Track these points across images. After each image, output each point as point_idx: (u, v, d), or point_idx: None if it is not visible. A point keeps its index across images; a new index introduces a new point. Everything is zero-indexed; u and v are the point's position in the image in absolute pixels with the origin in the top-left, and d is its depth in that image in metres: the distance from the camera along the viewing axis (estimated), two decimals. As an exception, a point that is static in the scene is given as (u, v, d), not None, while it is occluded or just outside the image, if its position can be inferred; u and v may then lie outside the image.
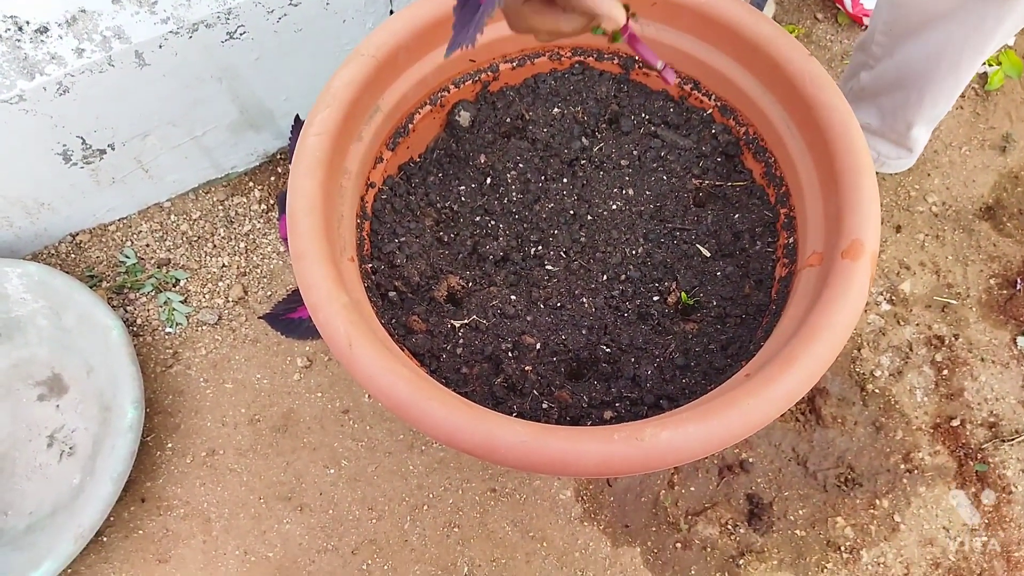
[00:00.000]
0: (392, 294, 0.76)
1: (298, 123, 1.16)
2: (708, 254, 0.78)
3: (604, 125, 0.86)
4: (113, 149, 1.02)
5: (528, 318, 0.75)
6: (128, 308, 1.09)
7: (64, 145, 0.98)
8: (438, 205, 0.84)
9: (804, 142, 0.76)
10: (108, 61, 0.90)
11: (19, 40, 0.87)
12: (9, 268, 1.02)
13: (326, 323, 0.63)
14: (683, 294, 0.76)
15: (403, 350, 0.72)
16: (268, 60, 1.03)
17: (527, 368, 0.73)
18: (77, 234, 1.12)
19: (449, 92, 0.86)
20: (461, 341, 0.74)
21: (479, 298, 0.76)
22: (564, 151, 0.85)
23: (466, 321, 0.75)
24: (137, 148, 1.05)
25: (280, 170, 1.19)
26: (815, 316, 0.63)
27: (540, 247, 0.80)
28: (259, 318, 1.08)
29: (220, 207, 1.16)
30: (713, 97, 0.84)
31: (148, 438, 1.04)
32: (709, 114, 0.84)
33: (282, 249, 1.14)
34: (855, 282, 0.64)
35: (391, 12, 1.09)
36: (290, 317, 1.06)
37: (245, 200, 1.16)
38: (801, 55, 0.75)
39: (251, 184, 1.18)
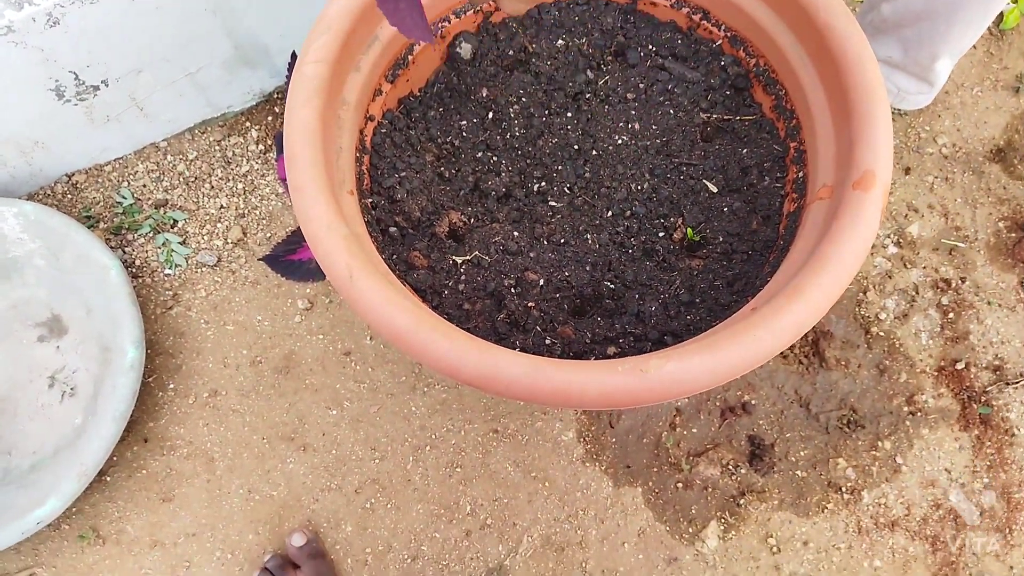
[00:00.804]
0: (393, 229, 0.74)
1: (295, 59, 1.12)
2: (715, 189, 0.76)
3: (610, 58, 0.84)
4: (107, 85, 1.00)
5: (531, 254, 0.74)
6: (126, 249, 1.08)
7: (56, 80, 0.96)
8: (439, 140, 0.82)
9: (816, 73, 0.73)
10: (98, -9, 0.87)
11: (5, -32, 0.85)
12: (5, 208, 1.00)
13: (326, 255, 0.62)
14: (689, 230, 0.74)
15: (405, 285, 0.71)
16: (263, -8, 1.00)
17: (530, 304, 0.72)
18: (73, 174, 1.11)
19: (450, 23, 0.84)
20: (463, 277, 0.73)
21: (481, 234, 0.75)
22: (568, 85, 0.83)
23: (468, 257, 0.74)
24: (131, 85, 1.02)
25: (277, 110, 1.17)
26: (823, 247, 0.61)
27: (543, 183, 0.78)
28: (259, 260, 1.07)
29: (217, 147, 1.14)
30: (723, 28, 0.81)
31: (150, 379, 1.04)
32: (718, 45, 0.82)
33: (280, 190, 1.12)
34: (866, 213, 0.62)
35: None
36: (290, 259, 1.04)
37: (242, 140, 1.14)
38: (816, -18, 0.72)
39: (248, 124, 1.15)
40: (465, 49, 0.85)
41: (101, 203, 1.09)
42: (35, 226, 1.01)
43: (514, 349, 0.70)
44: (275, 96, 1.17)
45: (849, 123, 0.67)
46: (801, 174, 0.73)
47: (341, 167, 0.71)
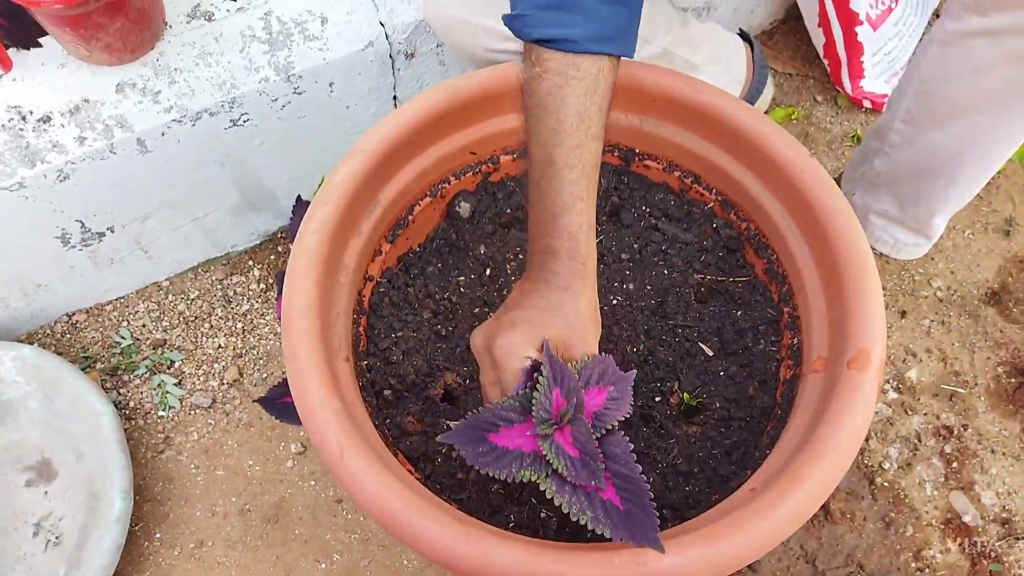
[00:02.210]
0: (387, 392, 0.74)
1: (300, 203, 1.16)
2: (711, 353, 0.76)
3: (604, 218, 0.86)
4: (112, 232, 1.02)
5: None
6: (121, 391, 1.07)
7: (63, 229, 0.98)
8: (437, 297, 0.83)
9: (805, 242, 0.75)
10: (110, 148, 0.90)
11: (22, 129, 0.88)
12: (3, 351, 1.00)
13: (317, 430, 0.61)
14: (686, 394, 0.74)
15: (397, 453, 0.70)
16: (271, 145, 1.04)
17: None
18: (73, 314, 1.12)
19: (450, 183, 0.86)
20: (457, 443, 0.72)
21: (476, 396, 0.75)
22: (564, 243, 0.84)
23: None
24: (137, 231, 1.04)
25: (280, 248, 1.19)
26: (822, 431, 0.61)
27: (539, 343, 0.78)
28: (254, 401, 1.06)
29: (219, 286, 1.15)
30: (714, 191, 0.84)
31: (136, 527, 1.01)
32: (710, 208, 0.84)
33: (279, 330, 1.13)
34: (862, 395, 0.62)
35: (395, 99, 1.10)
36: (286, 400, 1.03)
37: (244, 279, 1.16)
38: (801, 154, 0.75)
39: (250, 263, 1.17)
40: (464, 208, 0.87)
41: (99, 343, 1.10)
42: (31, 369, 1.01)
43: (508, 524, 0.68)
44: (279, 235, 1.20)
45: (840, 297, 0.68)
46: (796, 340, 0.74)
47: (338, 332, 0.71)
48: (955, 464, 1.03)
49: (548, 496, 0.57)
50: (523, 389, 0.61)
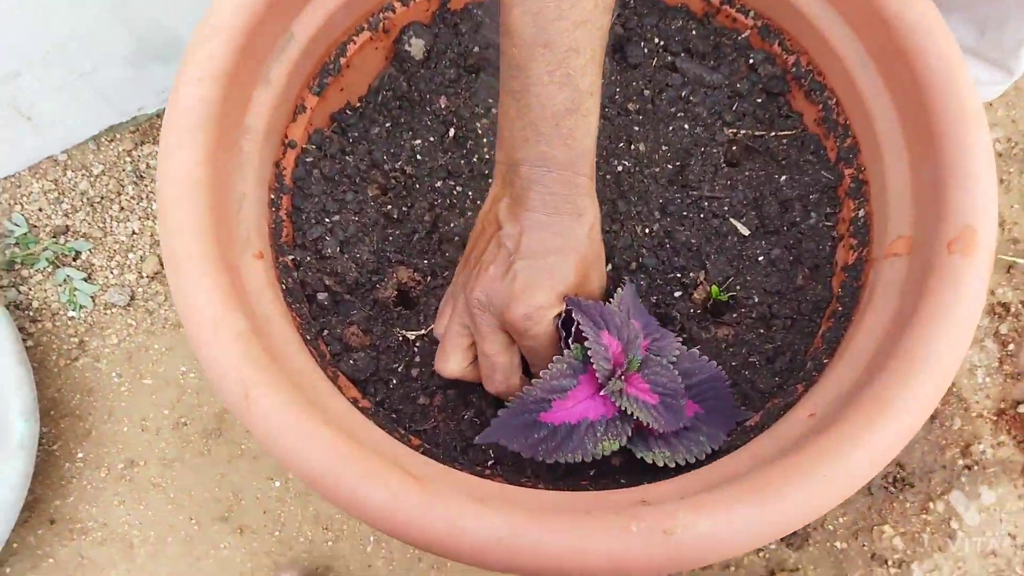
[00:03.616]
0: (321, 296, 0.56)
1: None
2: (746, 232, 0.58)
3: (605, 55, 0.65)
4: (-25, 92, 0.80)
5: (507, 325, 0.56)
6: (20, 288, 0.89)
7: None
8: (385, 167, 0.63)
9: (881, 79, 0.55)
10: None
11: None
12: None
13: (212, 363, 0.44)
14: (714, 287, 0.57)
15: (338, 375, 0.53)
16: (166, -30, 0.80)
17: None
18: (-50, 198, 0.91)
19: (395, 11, 0.64)
20: (417, 359, 0.55)
21: (441, 297, 0.57)
22: (551, 90, 0.64)
23: (423, 332, 0.56)
24: (9, 91, 0.82)
25: (202, 110, 0.97)
26: (913, 338, 0.44)
27: (521, 224, 0.60)
28: (181, 298, 0.89)
29: (127, 158, 0.94)
30: (751, 14, 0.63)
31: (54, 446, 0.86)
32: (745, 38, 0.63)
33: (207, 210, 0.93)
34: (967, 288, 0.45)
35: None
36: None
37: (157, 149, 0.94)
38: (882, -46, 0.54)
39: (167, 128, 0.96)
40: (416, 46, 0.66)
41: (-12, 232, 0.90)
42: None
43: (488, 460, 0.53)
44: (198, 93, 0.97)
45: (934, 154, 0.49)
46: (861, 212, 0.56)
47: (244, 222, 0.52)
48: (1011, 347, 0.88)
49: (639, 455, 0.47)
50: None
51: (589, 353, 0.45)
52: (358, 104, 0.65)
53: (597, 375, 0.46)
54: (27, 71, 0.81)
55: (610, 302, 0.50)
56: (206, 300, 0.45)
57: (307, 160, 0.60)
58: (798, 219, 0.58)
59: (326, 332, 0.55)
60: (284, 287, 0.54)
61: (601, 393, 0.46)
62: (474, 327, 0.50)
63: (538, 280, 0.47)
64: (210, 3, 0.52)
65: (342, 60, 0.62)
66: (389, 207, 0.61)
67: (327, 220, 0.58)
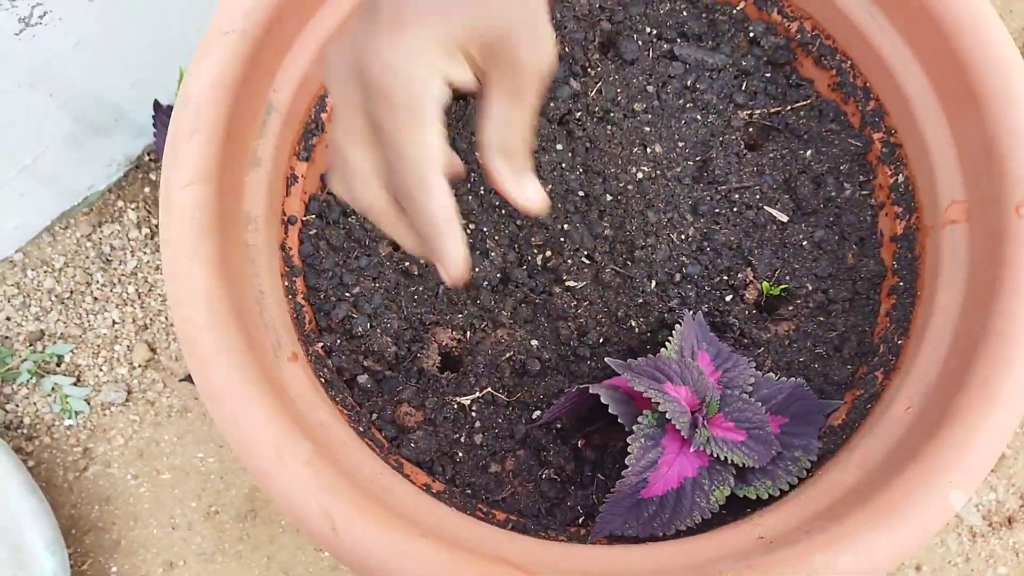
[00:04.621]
0: (363, 379, 0.52)
1: (160, 109, 0.86)
2: (784, 218, 0.56)
3: (597, 56, 0.61)
4: (-91, 214, 0.73)
5: (561, 370, 0.53)
6: (7, 407, 0.82)
7: None
8: (390, 219, 0.58)
9: (899, 33, 0.52)
10: None
11: None
12: None
13: (283, 494, 0.40)
14: (764, 283, 0.54)
15: (402, 464, 0.49)
16: (92, 42, 0.73)
17: (580, 443, 0.51)
18: (-95, 326, 0.84)
19: (365, 50, 0.59)
20: (478, 424, 0.52)
21: (486, 352, 0.53)
22: (548, 104, 0.60)
23: (478, 394, 0.53)
24: (-56, 203, 0.75)
25: (153, 176, 0.90)
26: (1004, 314, 0.42)
27: (549, 252, 0.56)
28: (181, 380, 0.83)
29: (88, 243, 0.87)
30: (741, -16, 0.59)
31: (84, 566, 0.81)
32: (740, 10, 0.60)
33: (187, 282, 0.87)
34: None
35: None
36: (222, 373, 0.80)
37: (119, 227, 0.88)
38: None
39: (120, 204, 0.89)
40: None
41: (-45, 354, 0.83)
42: None
43: (578, 516, 0.50)
44: (147, 159, 0.90)
45: (978, 112, 0.46)
46: (900, 178, 0.53)
47: (269, 324, 0.48)
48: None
49: (742, 494, 0.45)
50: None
51: (664, 412, 0.43)
52: (344, 156, 0.60)
53: (679, 430, 0.43)
54: (-38, 179, 0.74)
55: (668, 344, 0.48)
56: (260, 428, 0.41)
57: (311, 233, 0.55)
58: (833, 193, 0.56)
59: (376, 417, 0.51)
60: (322, 380, 0.50)
61: (691, 449, 0.44)
62: (333, 102, 0.36)
63: (412, 15, 0.32)
64: (183, 94, 0.47)
65: (323, 116, 0.57)
66: (406, 263, 0.57)
67: (348, 295, 0.54)
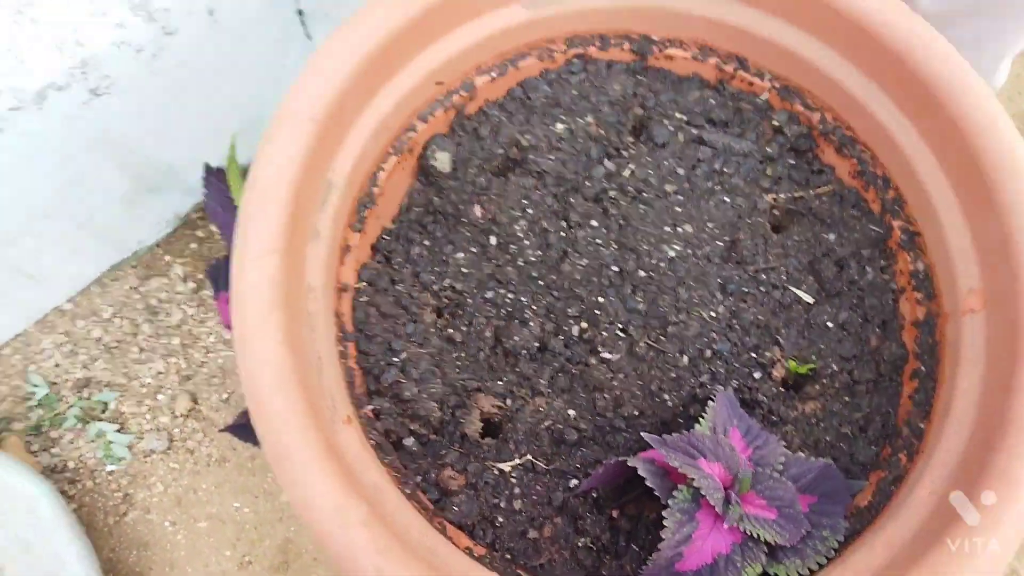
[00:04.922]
0: (408, 442, 0.55)
1: (210, 172, 0.91)
2: (810, 299, 0.59)
3: (630, 138, 0.65)
4: (-23, 266, 0.77)
5: (597, 440, 0.56)
6: (53, 451, 0.86)
7: (-95, 282, 0.72)
8: (434, 287, 0.62)
9: (916, 130, 0.56)
10: (-68, 168, 0.64)
11: None
12: None
13: (348, 559, 0.43)
14: (791, 362, 0.57)
15: (444, 526, 0.52)
16: (152, 110, 0.78)
17: (614, 512, 0.54)
18: (-39, 371, 0.88)
19: (416, 130, 0.64)
20: (517, 490, 0.55)
21: (525, 420, 0.56)
22: (584, 183, 0.64)
23: (517, 461, 0.55)
24: (10, 256, 0.79)
25: (200, 233, 0.95)
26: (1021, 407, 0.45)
27: (585, 324, 0.60)
28: (220, 431, 0.86)
29: (136, 295, 0.91)
30: (767, 76, 0.63)
31: (118, 609, 0.83)
32: (764, 100, 0.64)
33: (227, 336, 0.91)
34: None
35: (300, 13, 0.83)
36: (260, 424, 0.83)
37: (166, 281, 0.92)
38: (899, 12, 0.55)
39: (168, 259, 0.93)
40: (442, 160, 0.65)
41: (9, 397, 0.87)
42: (-75, 462, 0.78)
43: (611, 585, 0.52)
44: (194, 217, 0.95)
45: (994, 208, 0.50)
46: (920, 265, 0.56)
47: (326, 388, 0.51)
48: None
49: (773, 572, 0.47)
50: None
51: (699, 488, 0.45)
52: (392, 226, 0.64)
53: (714, 506, 0.46)
54: (26, 231, 0.78)
55: (701, 420, 0.50)
56: (322, 490, 0.44)
57: (362, 300, 0.59)
58: (856, 277, 0.59)
59: (422, 480, 0.54)
60: (373, 442, 0.53)
61: (725, 525, 0.46)
62: None
63: None
64: (252, 175, 0.51)
65: (375, 190, 0.61)
66: (449, 330, 0.60)
67: (396, 360, 0.57)
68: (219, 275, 0.92)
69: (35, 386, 0.87)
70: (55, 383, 0.88)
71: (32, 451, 0.86)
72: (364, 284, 0.60)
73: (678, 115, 0.65)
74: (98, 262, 0.90)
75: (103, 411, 0.87)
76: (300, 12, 0.82)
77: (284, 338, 0.47)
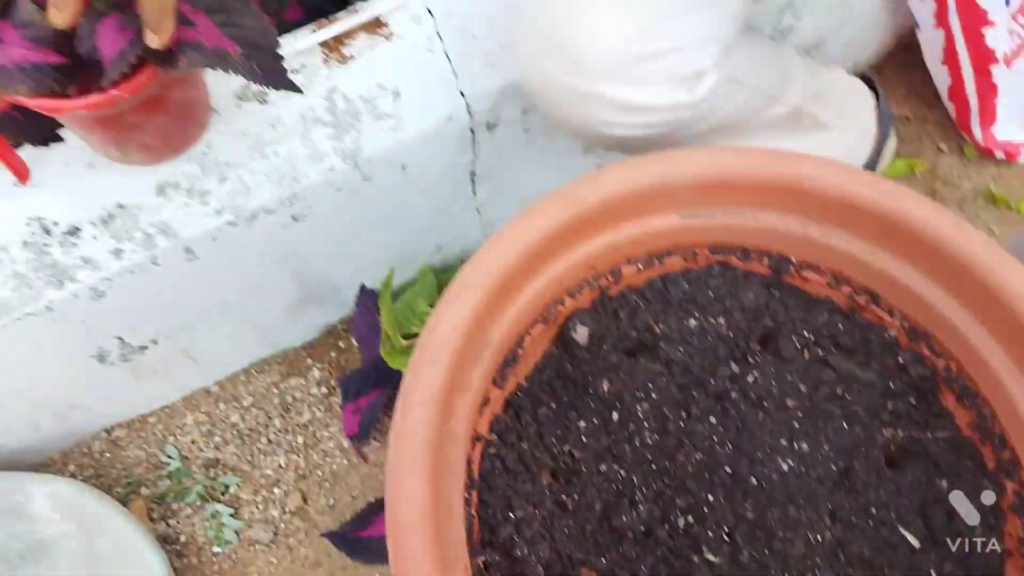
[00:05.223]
0: (512, 598, 0.59)
1: (364, 292, 1.02)
2: (916, 543, 0.60)
3: (757, 346, 0.70)
4: (156, 344, 0.88)
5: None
6: (171, 521, 0.93)
7: (99, 347, 0.84)
8: (554, 451, 0.67)
9: (1040, 397, 0.59)
10: (152, 260, 0.76)
11: (46, 244, 0.74)
12: (35, 487, 0.87)
13: None
14: (889, 600, 0.58)
15: None
16: (335, 237, 0.90)
17: None
18: (112, 428, 0.98)
19: (564, 304, 0.71)
20: (605, 666, 0.57)
21: (623, 598, 0.59)
22: (708, 380, 0.69)
23: (610, 639, 0.58)
24: (183, 339, 0.90)
25: (341, 344, 1.05)
26: None
27: (691, 518, 0.63)
28: (322, 535, 0.92)
29: (275, 390, 1.01)
30: (897, 315, 0.68)
31: None
32: (893, 336, 0.68)
33: (345, 445, 0.98)
34: None
35: (472, 175, 0.95)
36: (359, 536, 0.89)
37: (303, 382, 1.01)
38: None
39: (309, 361, 1.03)
40: (581, 333, 0.72)
41: (144, 463, 0.96)
42: (68, 507, 0.87)
43: None
44: (340, 328, 1.05)
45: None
46: (1033, 529, 0.58)
47: (453, 533, 0.56)
48: None
49: None
50: None
51: None
52: (525, 384, 0.71)
53: None
54: (205, 321, 0.90)
55: None
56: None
57: (491, 452, 0.65)
58: (962, 531, 0.60)
59: (516, 636, 0.57)
60: (479, 591, 0.57)
61: None
62: None
63: None
64: (429, 328, 0.59)
65: (519, 351, 0.68)
66: (563, 495, 0.65)
67: (512, 516, 0.62)
68: (350, 387, 1.01)
69: (169, 457, 0.96)
70: (187, 458, 0.97)
71: (151, 518, 0.94)
72: (494, 436, 0.66)
73: (806, 333, 0.70)
74: (250, 354, 1.01)
75: (223, 493, 0.95)
76: (473, 173, 0.94)
77: (428, 479, 0.53)
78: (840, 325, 0.70)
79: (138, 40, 0.57)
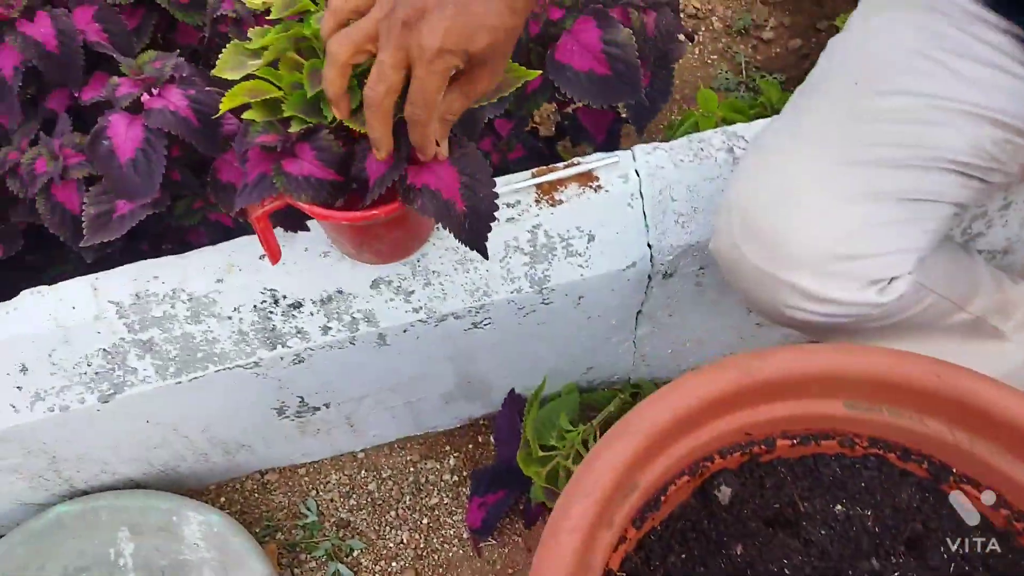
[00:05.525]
0: None
1: (512, 397, 1.08)
2: None
3: (902, 547, 0.70)
4: (327, 407, 0.98)
5: None
6: (295, 570, 1.00)
7: (282, 402, 0.94)
8: (679, 602, 0.69)
9: None
10: (351, 340, 0.86)
11: (272, 313, 0.85)
12: (193, 512, 0.97)
13: None
14: None
15: None
16: (503, 346, 0.97)
17: None
18: (266, 472, 1.08)
19: (713, 462, 0.74)
20: None
21: None
22: (847, 570, 0.69)
23: None
24: (350, 408, 1.00)
25: (480, 438, 1.11)
26: None
27: None
28: (427, 620, 0.96)
29: (411, 468, 1.08)
30: (1059, 552, 0.66)
31: None
32: (1049, 570, 0.66)
33: (465, 535, 1.03)
34: None
35: (639, 313, 1.00)
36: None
37: (438, 466, 1.08)
38: None
39: (447, 448, 1.10)
40: (724, 493, 0.74)
41: (285, 510, 1.05)
42: (216, 538, 0.96)
43: None
44: (481, 423, 1.12)
45: None
46: None
47: (576, 661, 0.59)
48: None
49: None
50: None
51: None
52: (659, 529, 0.73)
53: None
54: (374, 396, 0.98)
55: None
56: None
57: (619, 590, 0.67)
58: None
59: None
60: None
61: None
62: (386, 38, 0.54)
63: (462, 20, 0.52)
64: (589, 462, 0.64)
65: (662, 498, 0.71)
66: (674, 643, 0.66)
67: (630, 656, 0.64)
68: (481, 481, 1.06)
69: (308, 510, 1.04)
70: (323, 514, 1.04)
71: (280, 563, 1.01)
72: (623, 574, 0.69)
73: (955, 548, 0.68)
74: (399, 431, 1.09)
75: (347, 555, 1.01)
76: (639, 312, 1.00)
77: (567, 608, 0.57)
78: (993, 546, 0.68)
79: (395, 168, 0.68)
